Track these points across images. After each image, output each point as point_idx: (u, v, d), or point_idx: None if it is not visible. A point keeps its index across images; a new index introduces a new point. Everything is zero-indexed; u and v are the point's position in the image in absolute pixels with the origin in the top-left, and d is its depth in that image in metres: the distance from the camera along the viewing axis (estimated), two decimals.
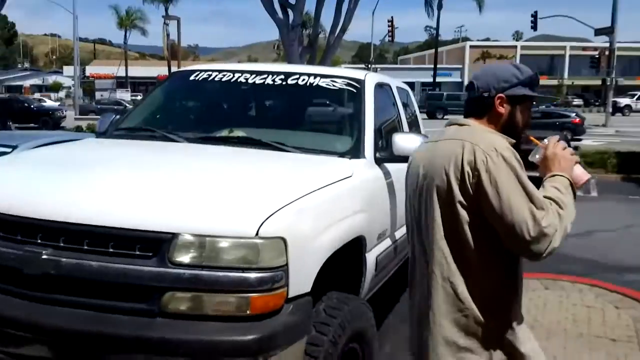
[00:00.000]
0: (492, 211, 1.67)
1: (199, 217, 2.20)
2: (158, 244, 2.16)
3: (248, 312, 2.16)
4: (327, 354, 2.41)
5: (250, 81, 3.77)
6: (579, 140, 21.21)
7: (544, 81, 58.89)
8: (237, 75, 3.83)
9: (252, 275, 2.16)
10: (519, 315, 1.87)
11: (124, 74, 55.78)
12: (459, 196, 1.70)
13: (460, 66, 69.13)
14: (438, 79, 54.27)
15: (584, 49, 66.21)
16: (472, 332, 1.78)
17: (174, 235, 2.15)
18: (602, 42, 40.78)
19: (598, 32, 24.91)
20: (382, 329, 4.38)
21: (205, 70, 4.00)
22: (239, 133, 3.45)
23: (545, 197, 1.72)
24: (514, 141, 1.84)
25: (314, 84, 3.67)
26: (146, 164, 2.93)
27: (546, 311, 4.66)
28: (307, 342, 2.37)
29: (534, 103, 1.98)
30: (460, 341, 1.78)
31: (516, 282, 1.85)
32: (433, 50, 56.19)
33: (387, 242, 3.52)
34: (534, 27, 30.08)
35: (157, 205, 2.29)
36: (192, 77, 3.99)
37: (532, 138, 2.01)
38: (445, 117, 32.67)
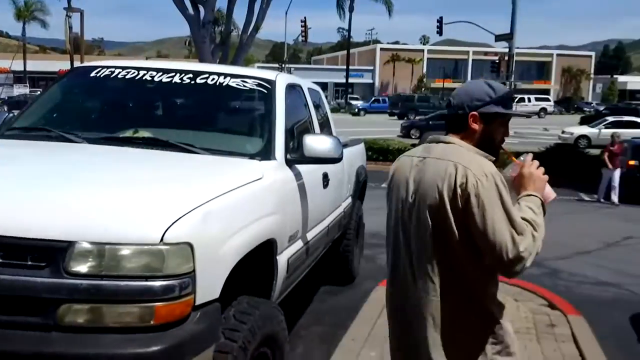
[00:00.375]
0: (477, 230, 1.82)
1: (97, 224, 2.07)
2: (52, 253, 2.02)
3: (152, 322, 2.06)
4: None
5: (156, 79, 3.63)
6: None
7: (448, 84, 61.77)
8: (142, 72, 3.68)
9: (157, 283, 2.07)
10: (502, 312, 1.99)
11: (22, 68, 52.05)
12: (450, 212, 1.85)
13: (372, 68, 70.94)
14: (351, 80, 55.39)
15: (486, 54, 70.17)
16: (464, 336, 1.92)
17: (70, 244, 2.01)
18: (502, 47, 43.40)
19: (498, 38, 26.34)
20: (295, 330, 4.39)
21: (109, 67, 3.80)
22: (144, 134, 3.30)
23: (522, 218, 1.85)
24: (493, 158, 1.97)
25: (224, 84, 3.60)
26: (40, 166, 2.72)
27: None
28: (215, 349, 2.31)
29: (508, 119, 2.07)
30: (454, 346, 1.92)
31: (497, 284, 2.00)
32: (345, 52, 57.23)
33: (298, 244, 3.52)
34: (440, 32, 31.39)
35: (50, 211, 2.13)
36: (93, 74, 3.78)
37: (508, 154, 2.14)
38: (417, 117, 34.31)
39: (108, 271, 2.03)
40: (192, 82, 3.61)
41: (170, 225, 2.10)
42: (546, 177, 2.01)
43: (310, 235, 3.77)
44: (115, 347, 2.02)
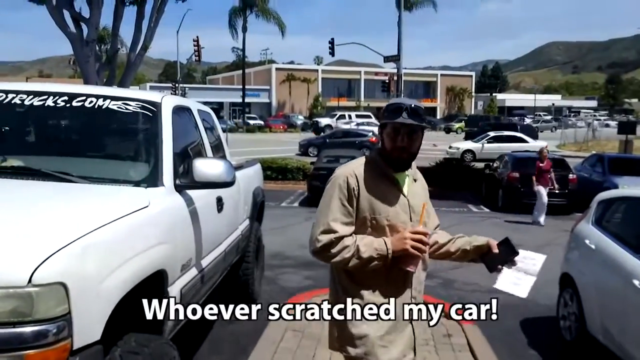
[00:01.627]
0: None
1: None
2: None
3: None
4: None
5: (27, 103, 3.33)
6: None
7: (343, 103, 63.57)
8: (10, 96, 3.37)
9: (27, 329, 1.86)
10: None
11: None
12: None
13: (268, 87, 71.33)
14: (247, 100, 55.30)
15: (376, 73, 73.05)
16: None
17: None
18: (391, 68, 45.41)
19: (386, 59, 27.60)
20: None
21: None
22: (13, 162, 3.01)
23: (363, 241, 2.17)
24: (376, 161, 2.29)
25: (104, 107, 3.38)
26: None
27: None
28: None
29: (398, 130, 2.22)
30: None
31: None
32: (241, 71, 57.10)
33: (192, 272, 3.36)
34: (332, 53, 32.23)
35: None
36: None
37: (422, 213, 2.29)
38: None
39: None
40: (68, 105, 3.36)
41: (40, 265, 1.90)
42: (417, 254, 2.17)
43: (205, 262, 3.63)
44: None
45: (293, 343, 4.41)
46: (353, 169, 2.25)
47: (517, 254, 2.41)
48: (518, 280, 2.42)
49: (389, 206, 2.23)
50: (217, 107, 30.68)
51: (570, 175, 12.97)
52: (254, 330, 4.78)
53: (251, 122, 52.32)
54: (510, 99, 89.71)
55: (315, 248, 2.21)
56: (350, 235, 2.19)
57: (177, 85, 43.05)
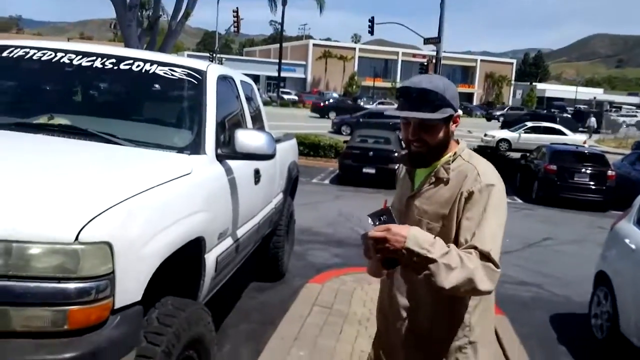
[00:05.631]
0: None
1: (4, 219, 1.87)
2: None
3: (66, 327, 1.89)
4: None
5: (75, 63, 3.36)
6: None
7: (378, 83, 62.90)
8: (59, 55, 3.40)
9: (71, 285, 1.89)
10: None
11: None
12: None
13: (304, 63, 71.06)
14: (283, 74, 55.16)
15: (414, 55, 72.11)
16: None
17: None
18: (429, 50, 44.64)
19: (426, 41, 27.05)
20: (222, 328, 4.26)
21: (22, 47, 3.50)
22: (60, 121, 3.05)
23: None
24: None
25: (151, 71, 3.39)
26: None
27: None
28: (136, 354, 2.15)
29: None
30: None
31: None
32: (278, 45, 56.92)
33: (228, 242, 3.39)
34: (371, 31, 31.76)
35: None
36: (5, 53, 3.46)
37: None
38: None
39: (15, 271, 1.84)
40: (115, 67, 3.38)
41: (87, 224, 1.92)
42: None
43: (240, 233, 3.65)
44: (24, 354, 1.83)
45: (320, 319, 4.44)
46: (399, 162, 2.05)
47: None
48: None
49: (398, 205, 2.01)
50: (253, 80, 30.74)
51: (609, 172, 12.63)
52: (281, 303, 4.84)
53: (285, 96, 52.27)
54: (551, 89, 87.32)
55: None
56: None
57: (214, 55, 43.18)
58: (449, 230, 1.81)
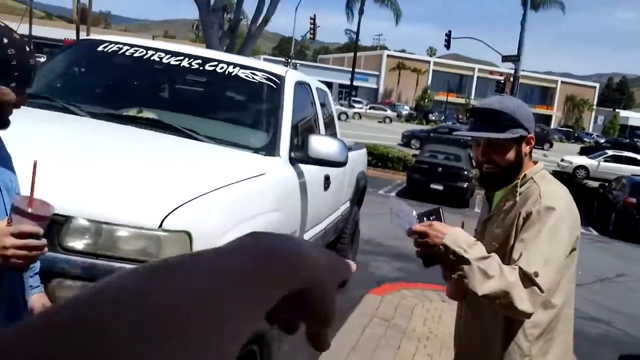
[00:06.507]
0: None
1: (97, 202, 2.01)
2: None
3: None
4: None
5: (164, 61, 3.53)
6: None
7: (452, 98, 61.89)
8: (150, 52, 3.58)
9: None
10: None
11: (26, 32, 51.61)
12: None
13: (377, 73, 71.00)
14: (355, 83, 55.35)
15: (491, 72, 70.45)
16: None
17: (67, 219, 1.95)
18: (507, 68, 43.50)
19: (505, 58, 26.39)
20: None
21: (117, 43, 3.71)
22: (148, 114, 3.22)
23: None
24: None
25: (233, 74, 3.51)
26: (41, 136, 2.63)
27: (441, 323, 4.80)
28: None
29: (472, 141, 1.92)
30: None
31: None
32: (352, 54, 57.22)
33: None
34: (447, 45, 31.34)
35: (50, 184, 2.05)
36: (101, 48, 3.69)
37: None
38: None
39: (104, 250, 1.99)
40: (201, 68, 3.53)
41: (171, 212, 2.03)
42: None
43: (307, 236, 3.70)
44: None
45: (379, 331, 4.41)
46: None
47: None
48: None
49: (479, 229, 1.98)
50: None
51: None
52: (340, 313, 4.83)
53: (356, 105, 52.42)
54: (635, 117, 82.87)
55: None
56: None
57: (289, 60, 43.98)
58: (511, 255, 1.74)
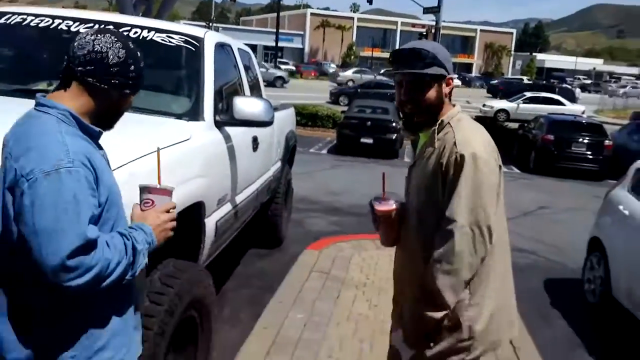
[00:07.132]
0: None
1: None
2: None
3: None
4: (162, 324, 2.29)
5: (73, 29, 3.36)
6: None
7: (377, 54, 62.29)
8: (57, 21, 3.40)
9: None
10: None
11: None
12: None
13: (302, 32, 70.22)
14: (280, 44, 54.49)
15: (414, 25, 71.22)
16: None
17: None
18: (429, 20, 44.12)
19: (426, 10, 26.73)
20: (222, 292, 4.35)
21: (20, 14, 3.49)
22: None
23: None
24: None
25: (148, 38, 3.39)
26: None
27: (377, 269, 4.99)
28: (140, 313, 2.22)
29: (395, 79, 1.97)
30: None
31: None
32: (275, 15, 56.16)
33: (227, 207, 3.45)
34: (370, 1, 31.38)
35: None
36: (2, 20, 3.46)
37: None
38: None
39: None
40: None
41: None
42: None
43: (239, 199, 3.71)
44: None
45: (318, 283, 4.53)
46: None
47: None
48: None
49: (407, 177, 2.02)
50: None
51: (606, 142, 12.67)
52: (279, 268, 4.93)
53: (283, 66, 51.84)
54: (550, 60, 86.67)
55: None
56: None
57: (210, 24, 42.66)
58: (438, 204, 1.79)
